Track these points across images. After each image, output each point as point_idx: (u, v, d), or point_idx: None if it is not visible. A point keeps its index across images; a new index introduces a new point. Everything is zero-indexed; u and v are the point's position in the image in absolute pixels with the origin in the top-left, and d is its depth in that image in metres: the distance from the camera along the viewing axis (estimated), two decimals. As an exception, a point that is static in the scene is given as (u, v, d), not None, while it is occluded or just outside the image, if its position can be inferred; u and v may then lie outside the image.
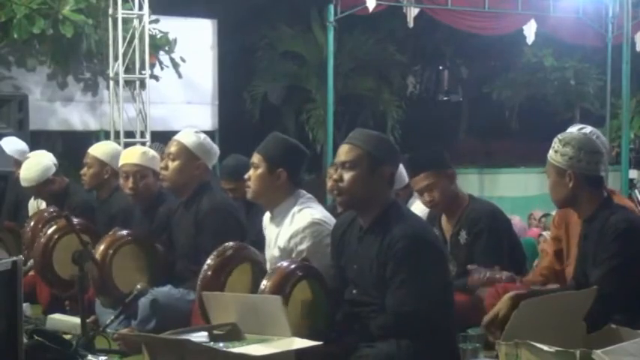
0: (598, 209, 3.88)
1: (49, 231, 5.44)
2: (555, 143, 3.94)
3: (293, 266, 3.85)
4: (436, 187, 4.77)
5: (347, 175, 3.81)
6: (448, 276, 3.96)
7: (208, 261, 4.11)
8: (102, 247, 4.94)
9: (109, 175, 5.87)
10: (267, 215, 4.52)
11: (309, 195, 4.45)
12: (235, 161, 5.89)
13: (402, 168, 5.16)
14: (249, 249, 4.29)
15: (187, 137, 5.01)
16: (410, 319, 3.62)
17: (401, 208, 3.90)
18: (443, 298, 3.76)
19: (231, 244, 4.20)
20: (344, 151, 3.86)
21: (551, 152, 3.95)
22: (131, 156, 5.48)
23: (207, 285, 4.00)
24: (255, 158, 4.38)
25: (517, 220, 8.30)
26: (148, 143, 10.16)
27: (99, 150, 6.03)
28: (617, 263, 3.75)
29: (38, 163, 6.31)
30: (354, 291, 3.88)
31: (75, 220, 5.11)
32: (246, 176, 4.43)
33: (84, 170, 5.97)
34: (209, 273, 4.08)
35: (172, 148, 4.99)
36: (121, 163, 5.47)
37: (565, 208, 4.16)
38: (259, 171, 4.35)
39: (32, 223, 5.96)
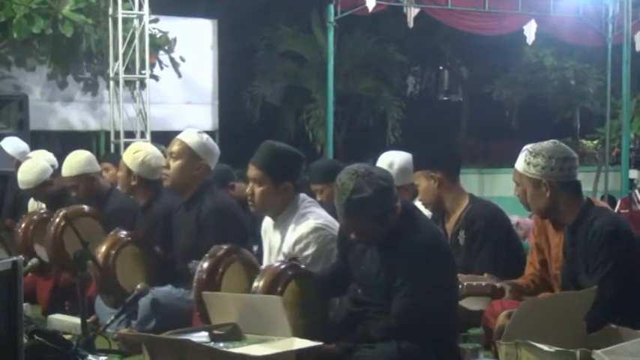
0: (581, 215, 3.86)
1: (57, 219, 5.41)
2: (526, 155, 3.93)
3: (283, 266, 3.85)
4: (419, 186, 4.78)
5: None
6: (456, 283, 3.93)
7: (202, 264, 4.10)
8: (104, 248, 4.93)
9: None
10: (268, 221, 4.50)
11: (310, 199, 4.44)
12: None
13: (405, 165, 5.16)
14: (241, 250, 4.28)
15: (190, 137, 4.99)
16: (414, 327, 3.59)
17: (413, 214, 3.80)
18: (449, 306, 3.74)
19: (223, 245, 4.19)
20: None
21: (523, 165, 3.93)
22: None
23: (203, 288, 3.98)
24: (255, 173, 4.29)
25: (519, 219, 8.26)
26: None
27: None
28: (610, 269, 3.73)
29: (35, 166, 6.25)
30: (359, 290, 3.86)
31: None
32: (247, 191, 4.36)
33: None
34: (203, 276, 4.07)
35: (175, 147, 4.98)
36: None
37: (543, 219, 4.16)
38: (264, 187, 4.28)
39: (23, 225, 5.93)
